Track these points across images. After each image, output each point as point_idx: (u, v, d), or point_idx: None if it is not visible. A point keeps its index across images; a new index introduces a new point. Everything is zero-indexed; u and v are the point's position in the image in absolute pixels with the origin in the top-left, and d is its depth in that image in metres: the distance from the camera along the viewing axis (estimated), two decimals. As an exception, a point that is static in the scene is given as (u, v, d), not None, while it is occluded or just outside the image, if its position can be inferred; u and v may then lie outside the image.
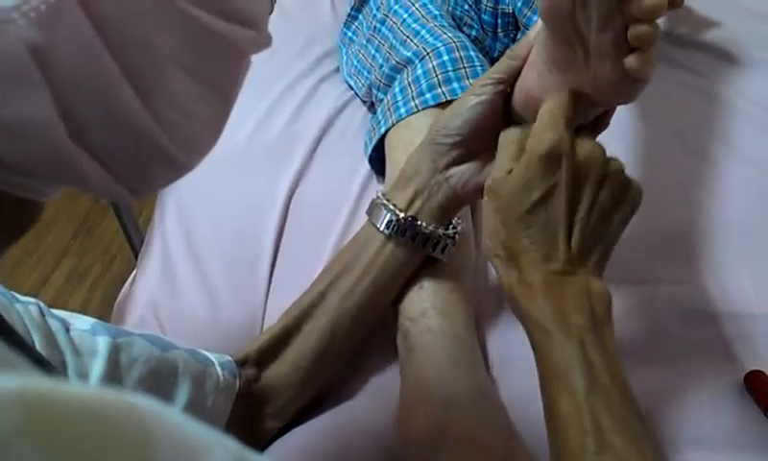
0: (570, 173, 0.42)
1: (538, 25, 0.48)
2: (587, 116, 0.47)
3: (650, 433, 0.39)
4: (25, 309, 0.38)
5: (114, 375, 0.40)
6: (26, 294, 1.39)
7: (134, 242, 0.88)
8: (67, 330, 0.40)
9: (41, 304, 0.40)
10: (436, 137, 0.53)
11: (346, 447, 0.53)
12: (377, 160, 0.77)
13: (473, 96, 0.51)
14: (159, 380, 0.44)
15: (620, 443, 0.36)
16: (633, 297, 0.63)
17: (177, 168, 0.26)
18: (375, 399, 0.57)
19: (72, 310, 1.50)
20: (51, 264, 1.87)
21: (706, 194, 0.75)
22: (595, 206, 0.43)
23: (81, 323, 0.42)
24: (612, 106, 0.47)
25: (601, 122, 0.49)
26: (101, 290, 1.76)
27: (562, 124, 0.43)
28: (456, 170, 0.53)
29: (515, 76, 0.50)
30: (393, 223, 0.54)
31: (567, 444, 0.38)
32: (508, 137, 0.47)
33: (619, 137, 0.84)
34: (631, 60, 0.40)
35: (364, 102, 0.93)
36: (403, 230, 0.54)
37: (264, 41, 0.27)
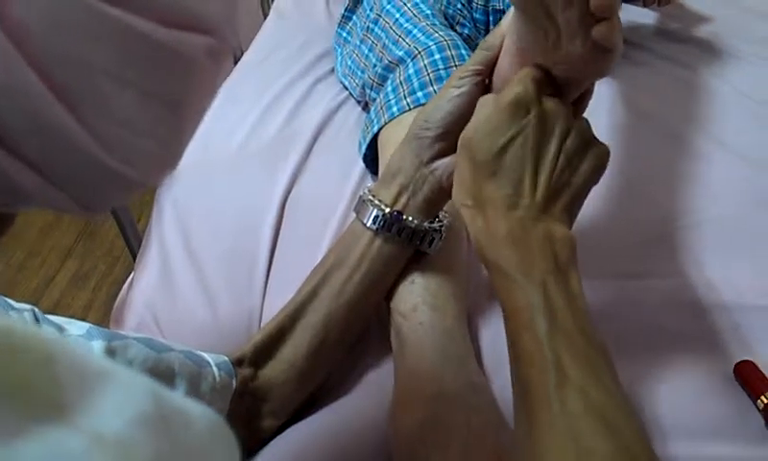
0: (537, 118, 0.44)
1: (509, 14, 0.49)
2: (568, 97, 0.48)
3: (612, 370, 0.39)
4: (20, 316, 0.38)
5: None
6: (30, 296, 1.40)
7: (133, 245, 0.89)
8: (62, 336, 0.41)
9: (36, 311, 0.41)
10: (418, 132, 0.54)
11: (343, 442, 0.54)
12: (371, 159, 0.78)
13: (453, 89, 0.52)
14: (156, 382, 0.44)
15: (581, 377, 0.37)
16: (623, 290, 0.63)
17: (127, 184, 0.25)
18: (372, 394, 0.58)
19: (76, 311, 1.50)
20: (55, 266, 1.88)
21: (696, 187, 0.75)
22: (561, 155, 0.44)
23: (75, 328, 0.42)
24: (587, 82, 0.48)
25: (580, 104, 0.49)
26: (104, 291, 1.77)
27: (529, 80, 0.45)
28: (440, 163, 0.54)
29: (491, 66, 0.51)
30: (379, 218, 0.55)
31: (529, 380, 0.39)
32: (484, 99, 0.48)
33: (608, 130, 0.84)
34: (597, 31, 0.41)
35: (359, 102, 0.94)
36: (390, 225, 0.55)
37: (224, 49, 0.25)
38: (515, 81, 0.46)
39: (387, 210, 0.55)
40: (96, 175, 0.23)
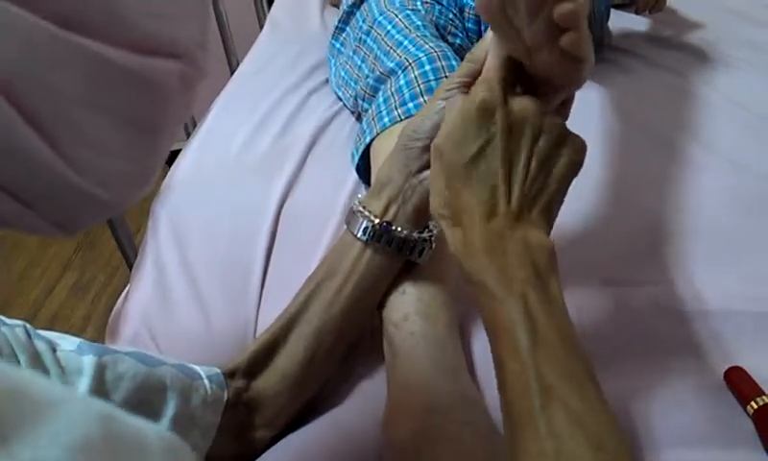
0: (504, 124, 0.43)
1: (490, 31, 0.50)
2: (548, 106, 0.48)
3: (594, 380, 0.39)
4: (11, 332, 0.39)
5: (100, 391, 0.41)
6: (30, 306, 1.40)
7: (130, 257, 0.89)
8: (54, 351, 0.41)
9: (28, 327, 0.41)
10: (407, 143, 0.55)
11: (335, 453, 0.54)
12: (364, 170, 0.79)
13: (440, 100, 0.52)
14: (147, 395, 0.44)
15: (565, 394, 0.37)
16: (612, 298, 0.63)
17: (101, 205, 0.25)
18: (365, 404, 0.58)
19: (75, 322, 1.50)
20: (54, 277, 1.89)
21: (686, 194, 0.75)
22: (534, 158, 0.43)
23: (67, 343, 0.42)
24: (565, 92, 0.48)
25: (562, 111, 0.49)
26: (104, 302, 1.78)
27: (495, 81, 0.45)
28: (428, 173, 0.54)
29: (477, 77, 0.51)
30: (369, 229, 0.56)
31: (514, 401, 0.39)
32: (451, 102, 0.48)
33: (598, 137, 0.85)
34: (564, 41, 0.41)
35: (352, 112, 0.95)
36: (379, 236, 0.56)
37: (196, 73, 0.26)
38: (480, 83, 0.46)
39: (376, 221, 0.55)
40: (69, 197, 0.23)
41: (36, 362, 0.38)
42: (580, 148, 0.45)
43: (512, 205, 0.43)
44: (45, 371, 0.39)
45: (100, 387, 0.41)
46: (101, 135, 0.23)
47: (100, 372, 0.41)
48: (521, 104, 0.45)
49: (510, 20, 0.42)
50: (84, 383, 0.40)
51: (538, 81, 0.46)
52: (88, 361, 0.41)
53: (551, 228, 0.45)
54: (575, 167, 0.45)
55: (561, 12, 0.40)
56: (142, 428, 0.20)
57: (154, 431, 0.21)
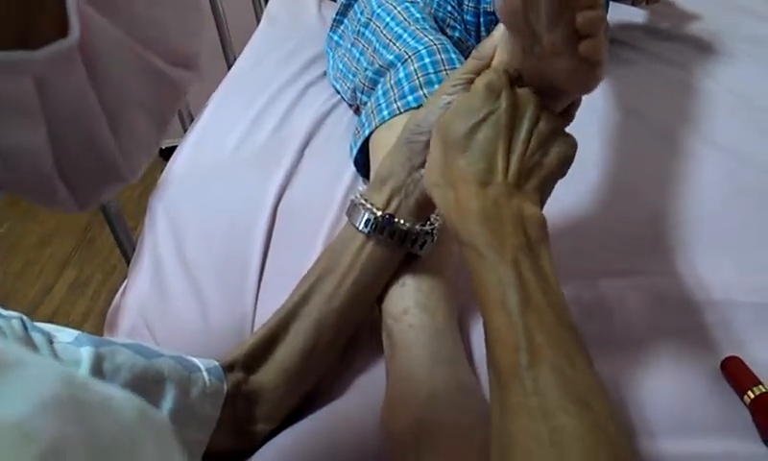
0: (509, 101, 0.45)
1: (501, 26, 0.50)
2: (554, 109, 0.49)
3: (584, 349, 0.39)
4: (7, 324, 0.39)
5: None
6: (29, 304, 1.40)
7: (128, 253, 0.89)
8: (51, 342, 0.41)
9: (24, 319, 0.41)
10: (410, 137, 0.55)
11: (335, 445, 0.54)
12: (362, 163, 0.79)
13: (445, 95, 0.52)
14: (145, 387, 0.44)
15: (554, 355, 0.37)
16: (611, 288, 0.63)
17: (120, 187, 0.30)
18: (364, 397, 0.58)
19: (75, 319, 1.50)
20: (53, 275, 1.89)
21: (684, 184, 0.75)
22: (533, 136, 0.45)
23: (65, 335, 0.42)
24: (575, 96, 0.49)
25: (567, 114, 0.50)
26: (103, 299, 1.78)
27: (501, 71, 0.47)
28: None
29: None
30: (371, 221, 0.56)
31: (501, 358, 0.39)
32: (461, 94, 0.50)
33: (598, 130, 0.85)
34: (584, 46, 0.42)
35: (350, 105, 0.95)
36: (381, 229, 0.55)
37: (198, 78, 0.31)
38: (488, 70, 0.47)
39: (379, 214, 0.55)
40: (107, 179, 0.28)
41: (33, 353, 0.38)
42: (572, 145, 0.47)
43: (509, 174, 0.44)
44: None
45: (98, 378, 0.41)
46: (142, 130, 0.28)
47: (97, 363, 0.41)
48: (524, 91, 0.46)
49: (530, 25, 0.43)
50: (81, 375, 0.40)
51: (548, 84, 0.47)
52: (86, 352, 0.41)
53: (542, 209, 0.46)
54: (566, 160, 0.46)
55: (584, 19, 0.41)
56: (109, 391, 0.21)
57: (121, 394, 0.22)
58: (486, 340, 0.41)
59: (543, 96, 0.47)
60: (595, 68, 0.44)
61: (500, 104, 0.45)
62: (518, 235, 0.42)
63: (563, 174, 0.47)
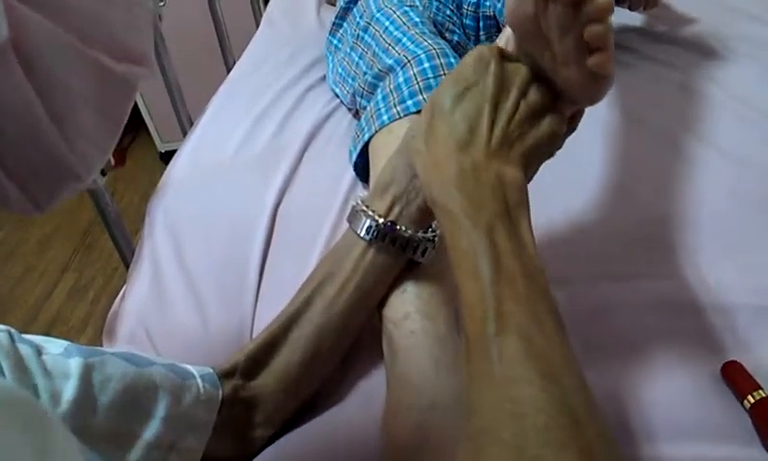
0: (498, 69, 0.45)
1: (505, 33, 0.50)
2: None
3: (557, 319, 0.38)
4: None
5: (87, 393, 0.41)
6: (29, 309, 1.40)
7: (128, 258, 0.89)
8: (40, 355, 0.40)
9: (12, 331, 0.41)
10: (411, 142, 0.55)
11: (335, 451, 0.54)
12: (362, 168, 0.78)
13: None
14: (136, 396, 0.44)
15: (523, 323, 0.36)
16: (611, 291, 0.63)
17: (77, 187, 0.30)
18: (363, 403, 0.58)
19: (75, 324, 1.50)
20: (53, 280, 1.89)
21: (685, 187, 0.75)
22: (521, 105, 0.44)
23: (54, 347, 0.42)
24: (581, 106, 0.49)
25: (571, 123, 0.50)
26: (103, 303, 1.78)
27: (494, 47, 0.47)
28: None
29: None
30: (372, 228, 0.55)
31: (470, 327, 0.38)
32: None
33: (598, 134, 0.85)
34: (593, 60, 0.42)
35: (349, 109, 0.94)
36: (383, 236, 0.55)
37: (151, 74, 0.31)
38: (479, 45, 0.47)
39: (380, 221, 0.55)
40: (59, 179, 0.28)
41: (19, 366, 0.38)
42: (561, 122, 0.46)
43: (492, 139, 0.43)
44: (29, 375, 0.38)
45: (87, 389, 0.41)
46: (91, 127, 0.28)
47: (87, 374, 0.41)
48: (515, 64, 0.46)
49: (542, 33, 0.43)
50: (70, 386, 0.40)
51: (558, 91, 0.46)
52: (75, 364, 0.41)
53: (528, 179, 0.45)
54: (554, 136, 0.46)
55: (591, 33, 0.40)
56: None
57: None
58: (458, 306, 0.40)
59: (541, 81, 0.47)
60: (602, 81, 0.44)
61: (489, 72, 0.45)
62: (496, 201, 0.41)
63: (550, 152, 0.46)
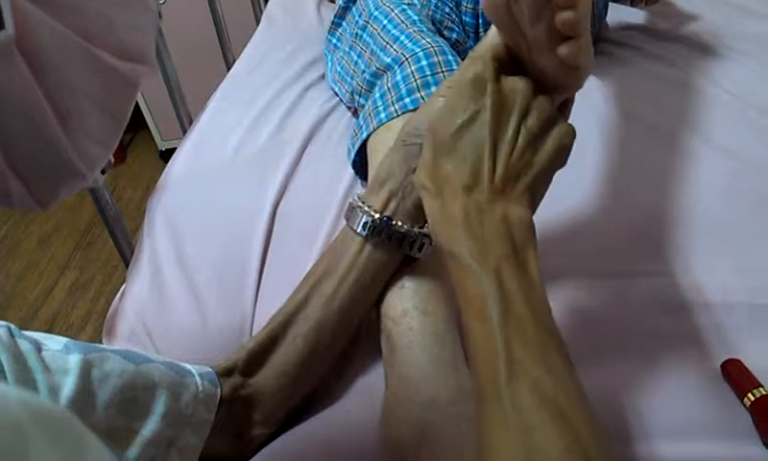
0: (494, 97, 0.43)
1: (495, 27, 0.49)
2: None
3: (566, 358, 0.38)
4: None
5: (86, 389, 0.41)
6: (29, 307, 1.41)
7: (128, 256, 0.89)
8: (39, 351, 0.40)
9: (12, 327, 0.41)
10: (407, 139, 0.54)
11: (333, 450, 0.54)
12: (360, 165, 0.78)
13: (442, 98, 0.52)
14: (135, 393, 0.44)
15: (533, 368, 0.36)
16: (609, 290, 0.63)
17: (80, 185, 0.30)
18: (362, 400, 0.58)
19: (75, 321, 1.51)
20: (53, 277, 1.89)
21: (682, 185, 0.75)
22: (521, 134, 0.43)
23: (53, 343, 0.42)
24: (564, 94, 0.48)
25: (562, 111, 0.48)
26: (103, 301, 1.78)
27: (488, 58, 0.45)
28: None
29: None
30: (369, 224, 0.55)
31: (481, 371, 0.38)
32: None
33: (595, 130, 0.85)
34: (562, 49, 0.41)
35: (349, 108, 0.94)
36: (379, 231, 0.55)
37: (153, 73, 0.32)
38: (474, 58, 0.45)
39: (377, 216, 0.55)
40: (63, 177, 0.29)
41: (19, 361, 0.38)
42: (569, 133, 0.45)
43: (495, 178, 0.42)
44: (28, 370, 0.39)
45: (86, 386, 0.41)
46: (95, 126, 0.29)
47: (86, 370, 0.41)
48: (513, 81, 0.44)
49: (515, 20, 0.43)
50: (69, 382, 0.40)
51: (538, 80, 0.46)
52: (74, 360, 0.41)
53: (534, 210, 0.45)
54: (563, 151, 0.44)
55: (561, 19, 0.40)
56: None
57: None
58: (467, 350, 0.41)
59: (513, 53, 0.46)
60: (575, 70, 0.43)
61: (486, 100, 0.43)
62: (503, 242, 0.40)
63: (562, 164, 0.45)
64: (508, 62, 0.46)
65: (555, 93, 0.46)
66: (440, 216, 0.43)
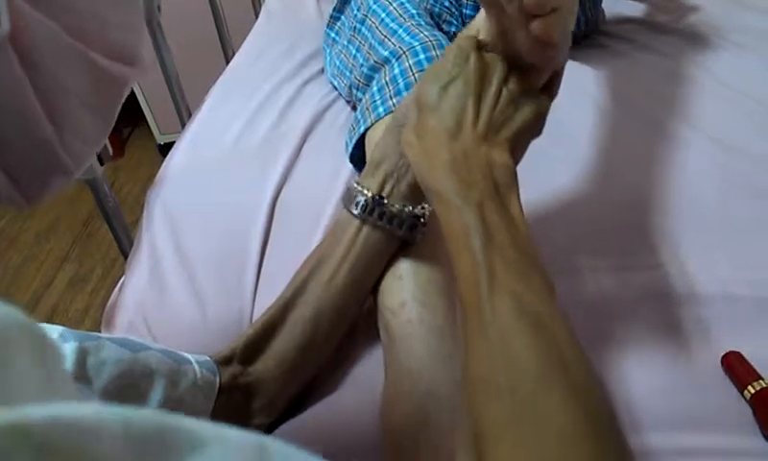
0: (478, 62, 0.47)
1: (479, 16, 0.51)
2: (535, 83, 0.49)
3: (548, 283, 0.39)
4: None
5: (82, 377, 0.41)
6: (28, 300, 1.41)
7: (127, 249, 0.89)
8: None
9: None
10: (401, 120, 0.56)
11: (333, 439, 0.55)
12: (359, 159, 0.78)
13: None
14: (132, 380, 0.44)
15: (514, 283, 0.37)
16: (605, 282, 0.64)
17: (67, 180, 0.30)
18: (361, 390, 0.58)
19: (74, 314, 1.51)
20: (52, 270, 1.89)
21: (676, 176, 0.76)
22: (503, 93, 0.46)
23: (50, 332, 0.42)
24: (546, 71, 0.49)
25: (549, 89, 0.50)
26: (102, 294, 1.78)
27: (473, 34, 0.48)
28: None
29: None
30: (362, 204, 0.57)
31: (466, 295, 0.39)
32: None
33: (591, 121, 0.85)
34: (533, 26, 0.42)
35: (347, 102, 0.94)
36: (371, 210, 0.56)
37: (143, 73, 0.32)
38: (459, 35, 0.49)
39: (369, 194, 0.56)
40: (52, 175, 0.29)
41: None
42: (546, 102, 0.48)
43: (479, 126, 0.45)
44: None
45: (82, 373, 0.41)
46: (84, 124, 0.29)
47: (81, 358, 0.41)
48: (493, 56, 0.48)
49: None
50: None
51: (517, 57, 0.47)
52: (70, 348, 0.41)
53: (517, 161, 0.47)
54: (539, 116, 0.47)
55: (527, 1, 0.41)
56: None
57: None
58: (455, 285, 0.42)
59: (518, 69, 0.48)
60: (549, 47, 0.44)
61: (469, 64, 0.47)
62: (486, 181, 0.42)
63: (537, 132, 0.48)
64: (494, 45, 0.49)
65: (534, 71, 0.48)
66: (426, 163, 0.45)
